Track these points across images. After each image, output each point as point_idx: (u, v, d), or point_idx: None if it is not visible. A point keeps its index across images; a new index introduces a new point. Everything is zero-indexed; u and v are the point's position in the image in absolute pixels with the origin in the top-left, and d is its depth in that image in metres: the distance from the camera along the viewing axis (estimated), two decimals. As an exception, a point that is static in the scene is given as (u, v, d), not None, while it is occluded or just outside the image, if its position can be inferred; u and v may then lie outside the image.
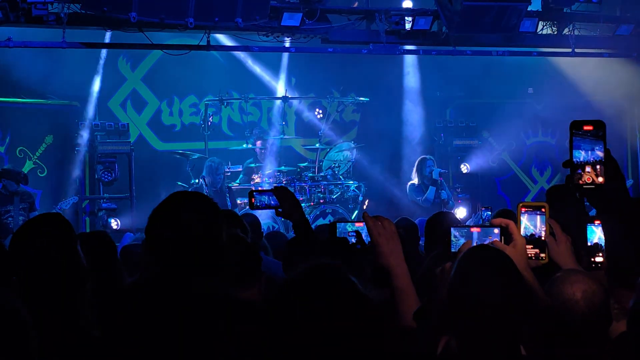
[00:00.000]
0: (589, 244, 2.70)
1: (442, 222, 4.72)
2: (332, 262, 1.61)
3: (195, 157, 10.24)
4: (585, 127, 1.88)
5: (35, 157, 10.47)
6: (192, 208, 2.38)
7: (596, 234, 2.71)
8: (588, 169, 1.86)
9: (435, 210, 9.41)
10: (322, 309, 1.53)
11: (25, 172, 9.40)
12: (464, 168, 11.28)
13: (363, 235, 3.20)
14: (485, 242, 2.29)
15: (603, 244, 2.67)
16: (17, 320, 1.37)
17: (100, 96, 10.69)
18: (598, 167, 1.86)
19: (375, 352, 1.55)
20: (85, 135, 9.91)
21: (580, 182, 1.86)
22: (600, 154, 1.87)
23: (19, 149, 10.38)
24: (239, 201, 9.78)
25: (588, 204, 4.61)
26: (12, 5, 7.80)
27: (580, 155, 1.87)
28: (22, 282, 2.58)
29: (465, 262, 2.02)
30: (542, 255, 2.39)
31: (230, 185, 9.96)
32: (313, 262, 1.62)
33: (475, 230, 2.38)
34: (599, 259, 2.68)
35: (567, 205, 3.90)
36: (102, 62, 10.53)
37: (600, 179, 1.86)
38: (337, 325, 1.52)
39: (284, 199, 3.65)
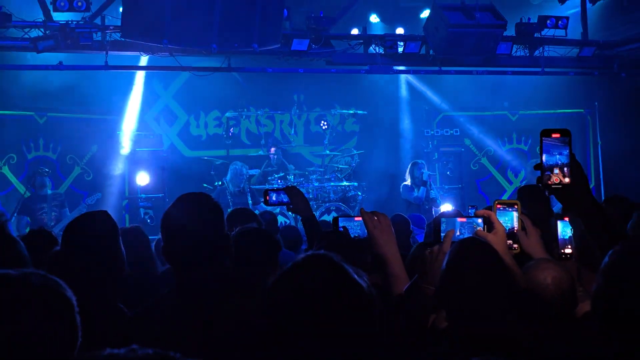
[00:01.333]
0: (559, 237, 2.68)
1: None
2: (328, 252, 1.56)
3: (219, 162, 10.27)
4: (554, 135, 1.88)
5: (83, 163, 10.48)
6: (194, 209, 2.35)
7: (565, 228, 2.69)
8: (556, 170, 1.85)
9: (425, 207, 9.41)
10: (315, 293, 1.47)
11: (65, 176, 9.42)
12: (449, 171, 11.26)
13: (350, 230, 3.20)
14: (471, 230, 2.30)
15: (572, 238, 2.65)
16: (63, 300, 1.34)
17: (138, 111, 10.70)
18: (565, 169, 1.85)
19: (366, 331, 1.50)
20: (125, 144, 9.93)
21: (549, 182, 1.85)
22: (566, 157, 1.86)
23: (68, 156, 10.40)
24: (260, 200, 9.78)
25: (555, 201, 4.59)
26: (63, 35, 7.83)
27: (549, 158, 1.85)
28: (71, 267, 2.57)
29: (457, 251, 1.99)
30: (515, 246, 2.38)
31: (252, 186, 9.96)
32: (311, 252, 1.58)
33: (461, 220, 2.37)
34: (568, 250, 2.66)
35: (536, 203, 3.88)
36: (139, 82, 10.55)
37: (567, 180, 1.85)
38: (329, 308, 1.45)
39: (294, 196, 3.65)
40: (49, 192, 8.77)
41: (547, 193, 1.90)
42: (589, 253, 2.41)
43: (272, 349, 1.48)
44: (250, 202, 9.43)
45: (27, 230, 7.84)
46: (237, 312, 2.15)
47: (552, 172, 1.84)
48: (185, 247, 2.27)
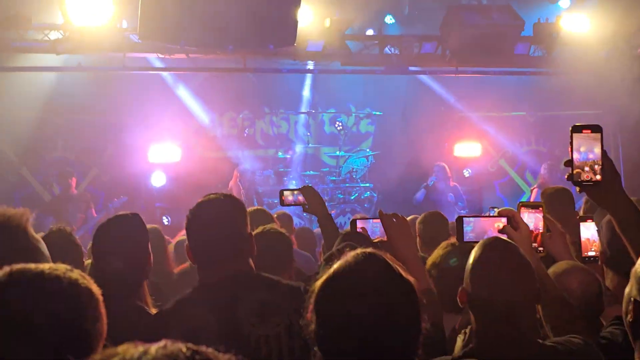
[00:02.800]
0: (582, 239, 2.64)
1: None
2: (377, 251, 1.57)
3: (235, 163, 10.29)
4: (584, 131, 1.85)
5: (100, 164, 10.55)
6: (219, 208, 2.42)
7: (590, 231, 2.64)
8: (587, 168, 1.82)
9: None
10: (370, 293, 1.48)
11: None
12: (466, 172, 11.17)
13: (368, 231, 3.19)
14: (497, 226, 2.29)
15: (596, 240, 2.61)
16: (88, 293, 1.36)
17: (154, 112, 10.73)
18: (596, 166, 1.81)
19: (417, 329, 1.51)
20: (142, 145, 9.96)
21: (580, 179, 1.81)
22: (597, 154, 1.82)
23: (86, 157, 10.47)
24: (266, 201, 9.77)
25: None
26: (81, 37, 7.88)
27: (580, 155, 1.82)
28: (99, 267, 2.61)
29: (482, 251, 1.96)
30: (540, 249, 2.34)
31: (258, 189, 9.96)
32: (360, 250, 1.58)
33: (484, 220, 2.35)
34: (592, 253, 2.62)
35: (561, 205, 3.86)
36: (155, 83, 10.58)
37: (598, 177, 1.82)
38: (383, 306, 1.47)
39: (310, 197, 3.64)
40: (74, 192, 8.80)
41: (578, 190, 1.86)
42: (616, 255, 2.36)
43: (320, 344, 1.49)
44: (255, 203, 9.43)
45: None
46: (261, 309, 2.17)
47: (582, 169, 1.81)
48: (210, 246, 2.34)
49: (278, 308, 2.28)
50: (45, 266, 1.36)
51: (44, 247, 1.86)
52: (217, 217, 2.37)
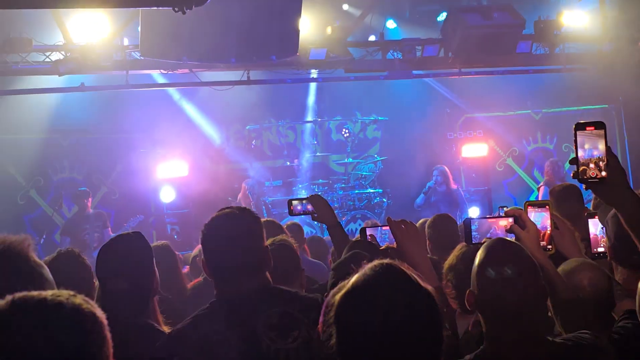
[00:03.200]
0: (590, 236, 2.63)
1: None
2: (394, 262, 1.57)
3: (244, 175, 10.31)
4: (588, 128, 1.85)
5: (108, 182, 10.59)
6: (236, 222, 2.41)
7: (597, 227, 2.63)
8: (592, 164, 1.81)
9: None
10: (390, 305, 1.49)
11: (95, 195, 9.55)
12: (474, 173, 11.14)
13: (377, 238, 3.19)
14: (504, 227, 2.29)
15: (604, 235, 2.60)
16: (92, 318, 1.35)
17: (160, 128, 10.79)
18: (601, 162, 1.81)
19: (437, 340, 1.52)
20: (149, 161, 10.00)
21: (586, 176, 1.81)
22: (602, 150, 1.82)
23: (94, 176, 10.53)
24: (276, 212, 9.78)
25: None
26: (83, 56, 7.94)
27: (584, 152, 1.82)
28: (105, 288, 2.60)
29: (488, 252, 1.96)
30: (549, 247, 2.33)
31: (264, 199, 9.96)
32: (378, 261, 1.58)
33: (491, 221, 2.35)
34: (601, 249, 2.61)
35: (569, 202, 3.84)
36: (159, 99, 10.64)
37: (604, 173, 1.81)
38: (404, 319, 1.48)
39: (319, 205, 3.63)
40: (91, 211, 8.84)
41: (584, 187, 1.86)
42: (624, 249, 2.35)
43: (342, 358, 1.50)
44: (264, 215, 9.44)
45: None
46: (279, 323, 2.17)
47: (587, 166, 1.81)
48: (227, 261, 2.33)
49: (297, 322, 2.27)
50: (48, 293, 1.35)
51: (47, 272, 1.85)
52: (234, 231, 2.36)
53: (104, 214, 9.06)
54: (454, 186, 9.95)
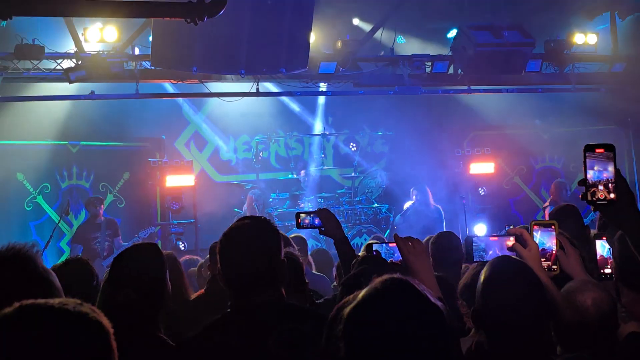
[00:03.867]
0: (597, 257, 2.62)
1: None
2: (404, 277, 1.56)
3: (249, 187, 10.33)
4: (597, 150, 1.85)
5: (115, 190, 10.62)
6: (254, 233, 2.39)
7: (604, 248, 2.63)
8: (601, 187, 1.82)
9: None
10: (401, 320, 1.47)
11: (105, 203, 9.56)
12: (481, 190, 11.10)
13: (382, 254, 3.18)
14: (506, 244, 2.28)
15: (611, 257, 2.60)
16: (98, 327, 1.36)
17: (168, 137, 10.85)
18: (610, 185, 1.81)
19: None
20: (156, 171, 10.02)
21: (594, 198, 1.82)
22: (611, 172, 1.82)
23: (101, 184, 10.55)
24: (282, 225, 9.77)
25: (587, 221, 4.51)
26: (94, 65, 7.99)
27: (594, 174, 1.82)
28: (115, 297, 2.60)
29: (492, 270, 1.96)
30: (554, 267, 2.33)
31: (269, 210, 9.96)
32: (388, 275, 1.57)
33: (493, 239, 2.34)
34: (607, 270, 2.61)
35: (569, 222, 3.84)
36: (169, 109, 10.71)
37: (612, 196, 1.82)
38: (415, 334, 1.46)
39: (326, 219, 3.61)
40: (102, 219, 8.84)
41: (592, 209, 1.86)
42: (631, 272, 2.34)
43: None
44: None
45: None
46: (291, 339, 2.16)
47: (596, 188, 1.81)
48: (244, 272, 2.31)
49: (308, 338, 2.27)
50: (55, 301, 1.36)
51: (54, 278, 1.86)
52: (252, 242, 2.34)
53: (114, 222, 9.04)
54: (433, 206, 9.89)
